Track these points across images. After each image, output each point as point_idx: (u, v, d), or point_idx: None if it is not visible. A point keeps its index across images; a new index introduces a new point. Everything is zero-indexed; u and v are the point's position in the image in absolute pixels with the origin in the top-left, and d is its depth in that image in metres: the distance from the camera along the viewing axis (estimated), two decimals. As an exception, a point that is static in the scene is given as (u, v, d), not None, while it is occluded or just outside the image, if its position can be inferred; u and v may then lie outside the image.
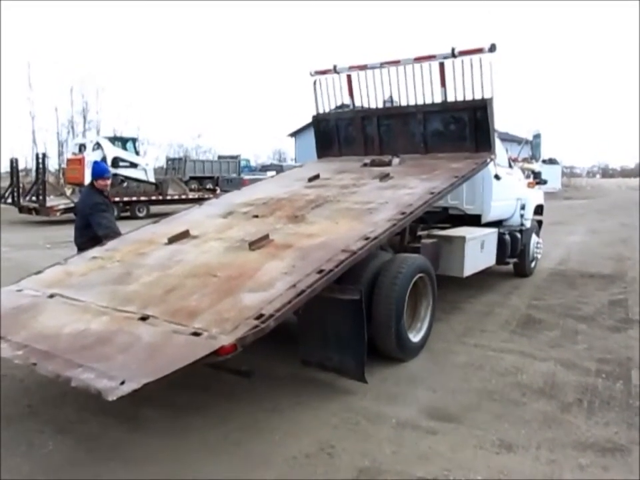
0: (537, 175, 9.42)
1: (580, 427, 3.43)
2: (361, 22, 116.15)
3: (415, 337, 4.68)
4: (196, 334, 3.03)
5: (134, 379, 2.58)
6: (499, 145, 7.36)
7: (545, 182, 10.12)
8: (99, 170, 5.61)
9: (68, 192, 19.57)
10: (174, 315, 3.32)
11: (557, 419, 3.54)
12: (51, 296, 3.93)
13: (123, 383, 2.56)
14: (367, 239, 4.15)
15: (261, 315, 3.13)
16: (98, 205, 5.32)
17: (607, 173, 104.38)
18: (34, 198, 17.13)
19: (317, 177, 6.57)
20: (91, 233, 5.32)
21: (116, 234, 5.22)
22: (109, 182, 5.60)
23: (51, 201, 16.97)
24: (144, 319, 3.32)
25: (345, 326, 3.84)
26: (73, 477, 2.89)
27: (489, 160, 6.26)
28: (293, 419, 3.52)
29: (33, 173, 30.49)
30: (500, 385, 4.10)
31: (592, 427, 3.43)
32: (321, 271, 3.62)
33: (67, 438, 3.31)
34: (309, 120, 8.25)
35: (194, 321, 3.18)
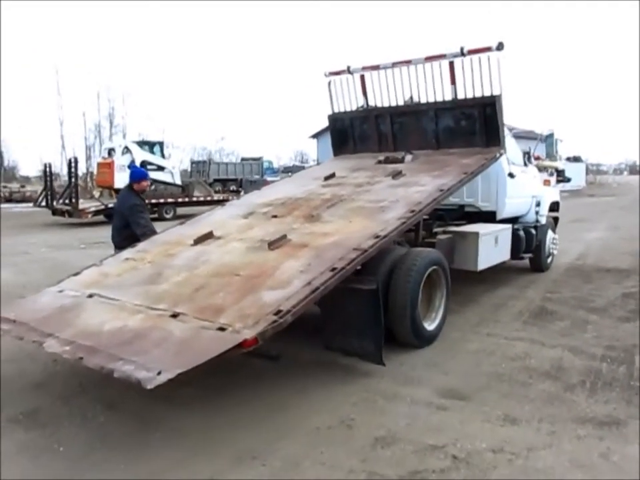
0: (560, 172, 9.60)
1: (581, 404, 3.72)
2: (376, 23, 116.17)
3: (430, 326, 4.99)
4: (221, 329, 3.34)
5: (169, 369, 2.89)
6: (513, 143, 7.61)
7: (568, 179, 10.26)
8: (138, 173, 6.05)
9: (96, 195, 20.25)
10: (202, 312, 3.63)
11: (560, 397, 3.83)
12: (90, 296, 4.27)
13: (159, 373, 2.88)
14: (377, 237, 4.43)
15: (279, 311, 3.43)
16: (136, 206, 5.74)
17: (634, 169, 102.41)
18: (66, 201, 17.79)
19: (332, 175, 6.85)
20: (128, 232, 5.73)
21: (153, 232, 5.63)
22: (147, 184, 6.03)
23: (82, 204, 17.60)
24: (175, 316, 3.64)
25: (364, 313, 4.18)
26: (123, 445, 3.29)
27: (498, 155, 6.49)
28: (316, 398, 3.87)
29: (63, 177, 31.51)
30: (509, 368, 4.39)
31: (592, 404, 3.72)
32: (333, 269, 3.91)
33: (116, 412, 3.72)
34: (327, 122, 8.51)
35: (219, 317, 3.49)
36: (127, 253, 5.25)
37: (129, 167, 19.03)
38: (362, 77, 7.77)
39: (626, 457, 3.06)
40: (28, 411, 3.74)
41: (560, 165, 10.17)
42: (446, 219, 7.01)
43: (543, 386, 4.04)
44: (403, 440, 3.26)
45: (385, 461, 3.04)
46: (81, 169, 34.57)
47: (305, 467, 3.00)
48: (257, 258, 4.40)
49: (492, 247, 6.41)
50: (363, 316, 4.20)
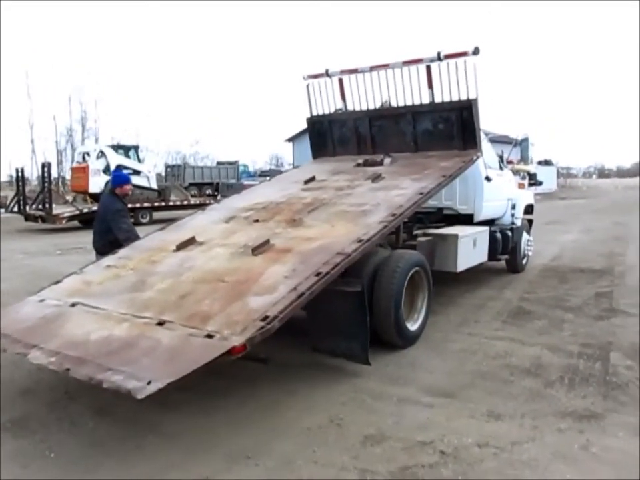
0: (532, 176, 9.84)
1: (561, 399, 3.87)
2: (356, 24, 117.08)
3: (413, 326, 5.10)
4: (210, 336, 3.32)
5: (159, 379, 2.88)
6: (489, 148, 7.79)
7: (540, 183, 10.51)
8: (121, 178, 6.03)
9: (69, 199, 19.94)
10: (189, 319, 3.60)
11: (541, 393, 3.98)
12: (73, 305, 4.19)
13: (149, 382, 2.86)
14: (360, 241, 4.44)
15: (267, 317, 3.42)
16: (119, 211, 5.71)
17: (603, 173, 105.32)
18: (40, 206, 17.50)
19: (312, 179, 6.85)
20: (111, 237, 5.68)
21: (136, 237, 5.61)
22: (130, 189, 6.02)
23: (56, 209, 17.33)
24: (161, 324, 3.60)
25: (350, 315, 4.25)
26: (116, 449, 3.30)
27: (475, 157, 6.62)
28: (307, 398, 3.94)
29: (33, 182, 30.89)
30: (491, 366, 4.53)
31: (571, 399, 3.87)
32: (318, 274, 3.91)
33: (106, 418, 3.72)
34: (306, 125, 8.54)
35: (207, 324, 3.47)
36: (108, 259, 5.16)
37: (104, 170, 18.88)
38: (340, 81, 7.82)
39: (605, 448, 3.20)
40: (15, 418, 3.72)
41: (532, 168, 10.43)
42: (425, 221, 7.14)
43: (524, 383, 4.18)
44: (392, 437, 3.35)
45: (375, 458, 3.13)
46: (53, 174, 34.10)
47: (298, 466, 3.07)
48: (242, 264, 4.39)
49: (470, 248, 6.57)
50: (349, 317, 4.27)
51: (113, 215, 5.67)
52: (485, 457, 3.12)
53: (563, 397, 3.90)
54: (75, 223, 17.62)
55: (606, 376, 4.28)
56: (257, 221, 5.53)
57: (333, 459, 3.12)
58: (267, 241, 4.65)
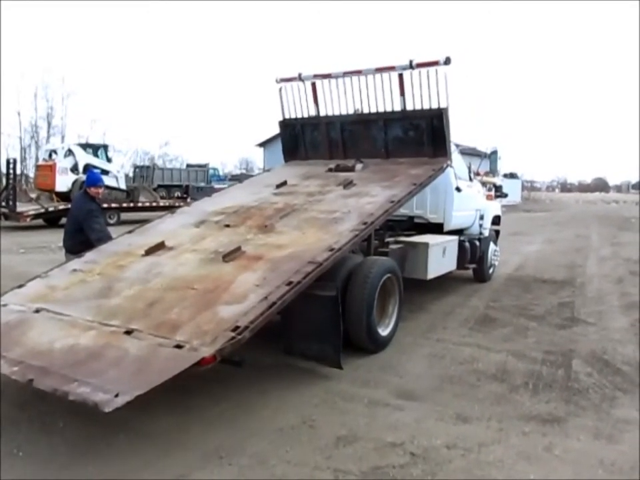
0: (498, 188, 10.12)
1: (525, 404, 4.01)
2: (330, 28, 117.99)
3: (384, 331, 5.19)
4: (179, 346, 3.28)
5: (127, 391, 2.83)
6: (459, 159, 7.98)
7: (505, 195, 10.82)
8: (94, 178, 5.98)
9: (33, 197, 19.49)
10: (157, 328, 3.54)
11: (506, 398, 4.12)
12: (37, 311, 4.06)
13: (117, 395, 2.81)
14: (331, 249, 4.45)
15: (237, 327, 3.39)
16: (92, 211, 5.65)
17: (565, 187, 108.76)
18: (3, 203, 17.05)
19: (284, 183, 6.85)
20: (82, 237, 5.60)
21: (108, 238, 5.55)
22: (102, 190, 5.98)
23: (20, 207, 16.92)
24: (129, 332, 3.53)
25: (323, 319, 4.31)
26: (88, 448, 3.28)
27: (445, 165, 6.73)
28: (280, 400, 3.99)
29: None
30: (459, 371, 4.66)
31: (535, 403, 4.02)
32: (289, 283, 3.91)
33: (76, 418, 3.65)
34: (278, 130, 8.53)
35: (176, 334, 3.42)
36: (74, 264, 5.03)
37: (72, 169, 18.52)
38: (313, 85, 7.84)
39: (566, 449, 3.35)
40: (-17, 418, 3.65)
41: (498, 180, 10.74)
42: (396, 229, 7.27)
43: (490, 387, 4.32)
44: (363, 438, 3.42)
45: (347, 458, 3.19)
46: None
47: (271, 465, 3.11)
48: (212, 271, 4.34)
49: (440, 257, 6.73)
50: (322, 321, 4.31)
51: (86, 215, 5.60)
52: (453, 458, 3.22)
53: (527, 402, 4.05)
54: (40, 221, 17.24)
55: (568, 382, 4.45)
56: (227, 225, 5.49)
57: (306, 459, 3.17)
58: (238, 248, 4.62)
